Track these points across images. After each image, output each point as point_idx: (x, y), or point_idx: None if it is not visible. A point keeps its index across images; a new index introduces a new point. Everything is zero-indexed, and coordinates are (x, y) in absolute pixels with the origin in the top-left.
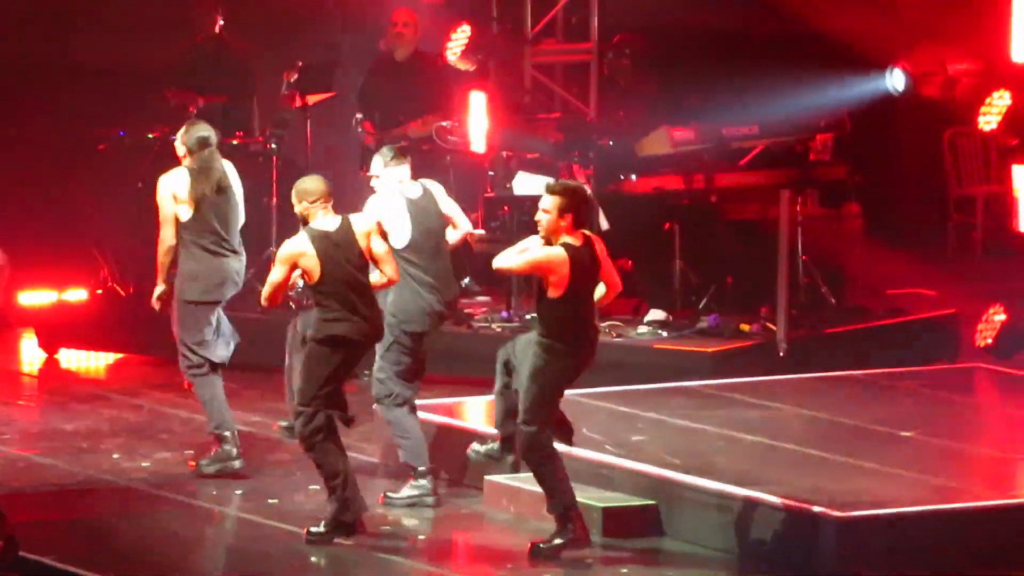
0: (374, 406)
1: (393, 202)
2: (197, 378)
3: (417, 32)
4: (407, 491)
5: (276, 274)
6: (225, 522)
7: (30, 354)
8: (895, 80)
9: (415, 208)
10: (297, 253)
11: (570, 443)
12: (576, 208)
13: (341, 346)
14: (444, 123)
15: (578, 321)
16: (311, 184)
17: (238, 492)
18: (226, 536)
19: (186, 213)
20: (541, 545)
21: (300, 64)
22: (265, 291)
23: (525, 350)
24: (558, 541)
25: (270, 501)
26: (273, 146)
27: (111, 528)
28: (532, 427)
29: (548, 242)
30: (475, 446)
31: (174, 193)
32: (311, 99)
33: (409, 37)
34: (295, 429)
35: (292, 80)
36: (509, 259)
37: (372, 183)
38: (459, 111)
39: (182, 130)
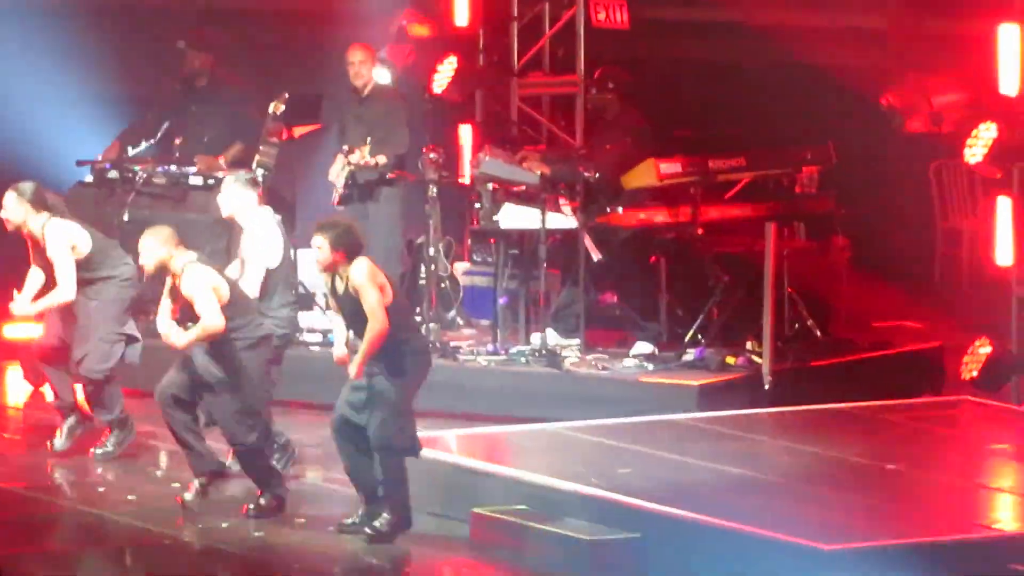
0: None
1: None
2: None
3: (367, 68)
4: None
5: None
6: (210, 557)
7: (15, 387)
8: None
9: None
10: None
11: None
12: (347, 243)
13: None
14: (430, 155)
15: None
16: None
17: (224, 525)
18: (211, 569)
19: None
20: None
21: (287, 95)
22: None
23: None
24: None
25: (256, 534)
26: (259, 177)
27: (95, 562)
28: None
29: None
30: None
31: None
32: (297, 131)
33: (365, 74)
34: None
35: (279, 112)
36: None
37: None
38: (443, 143)
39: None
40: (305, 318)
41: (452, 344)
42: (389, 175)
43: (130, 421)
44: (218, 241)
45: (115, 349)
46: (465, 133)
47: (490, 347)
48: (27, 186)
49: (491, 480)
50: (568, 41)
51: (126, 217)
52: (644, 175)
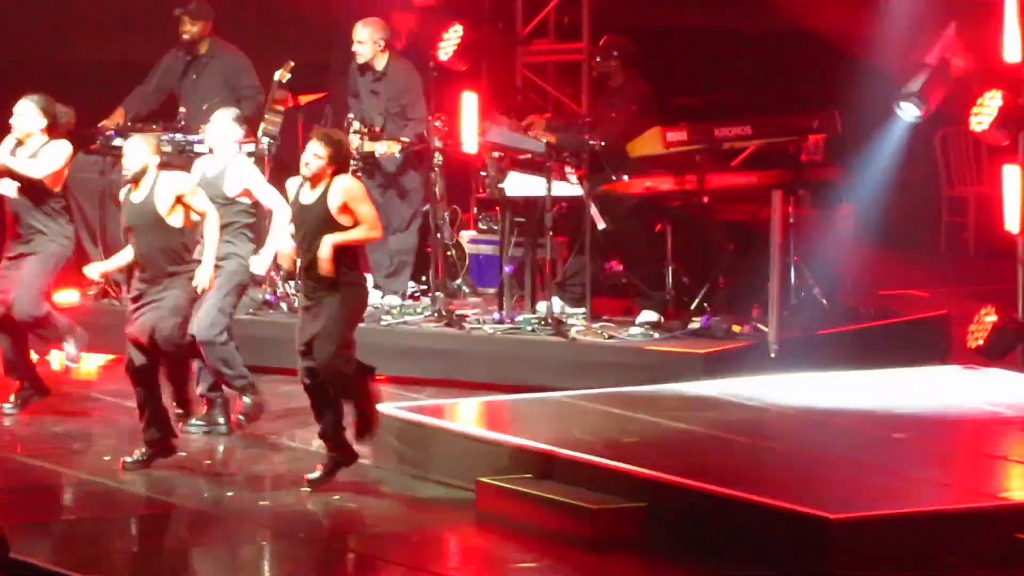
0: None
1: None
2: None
3: (369, 45)
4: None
5: None
6: (215, 524)
7: None
8: (908, 111)
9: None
10: None
11: None
12: (343, 159)
13: None
14: (434, 123)
15: None
16: None
17: (229, 494)
18: (215, 538)
19: None
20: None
21: (292, 64)
22: None
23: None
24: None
25: (261, 503)
26: (264, 146)
27: (100, 530)
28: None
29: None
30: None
31: None
32: (303, 99)
33: (365, 53)
34: None
35: (284, 80)
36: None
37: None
38: (448, 111)
39: None
40: None
41: (458, 312)
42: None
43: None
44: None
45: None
46: (470, 101)
47: (496, 315)
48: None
49: (497, 449)
50: (573, 9)
51: None
52: (650, 143)
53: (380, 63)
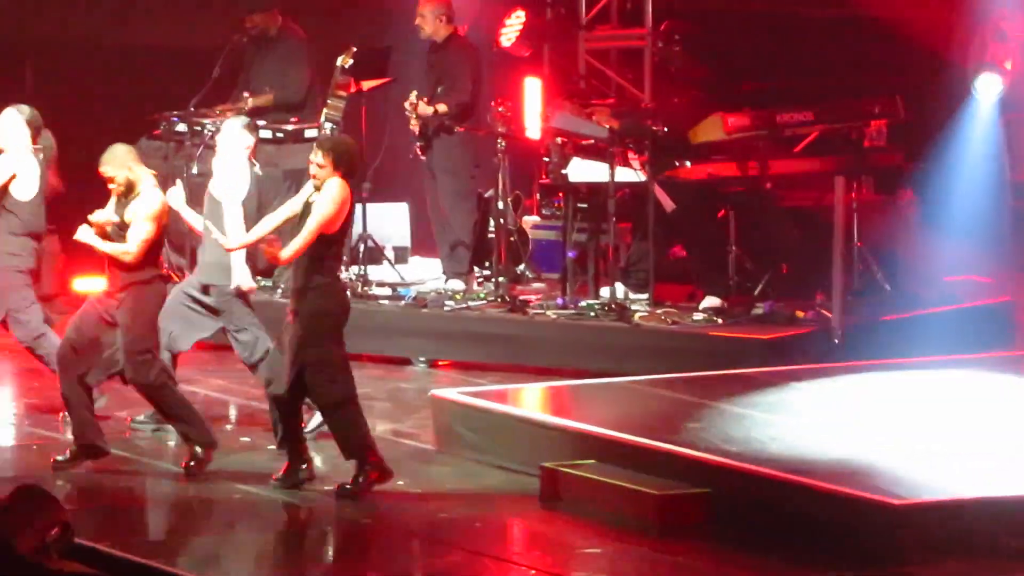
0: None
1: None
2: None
3: (430, 19)
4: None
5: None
6: (280, 509)
7: None
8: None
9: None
10: None
11: None
12: (349, 164)
13: None
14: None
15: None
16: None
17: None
18: (278, 523)
19: None
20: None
21: (355, 49)
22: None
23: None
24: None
25: (326, 488)
26: (328, 131)
27: (166, 515)
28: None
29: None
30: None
31: None
32: (366, 85)
33: (427, 28)
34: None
35: (347, 65)
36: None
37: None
38: (510, 97)
39: None
40: (374, 272)
41: (521, 298)
42: (458, 128)
43: None
44: (288, 193)
45: None
46: (532, 87)
47: (559, 300)
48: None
49: (560, 434)
50: None
51: (195, 170)
52: (711, 129)
53: (440, 36)
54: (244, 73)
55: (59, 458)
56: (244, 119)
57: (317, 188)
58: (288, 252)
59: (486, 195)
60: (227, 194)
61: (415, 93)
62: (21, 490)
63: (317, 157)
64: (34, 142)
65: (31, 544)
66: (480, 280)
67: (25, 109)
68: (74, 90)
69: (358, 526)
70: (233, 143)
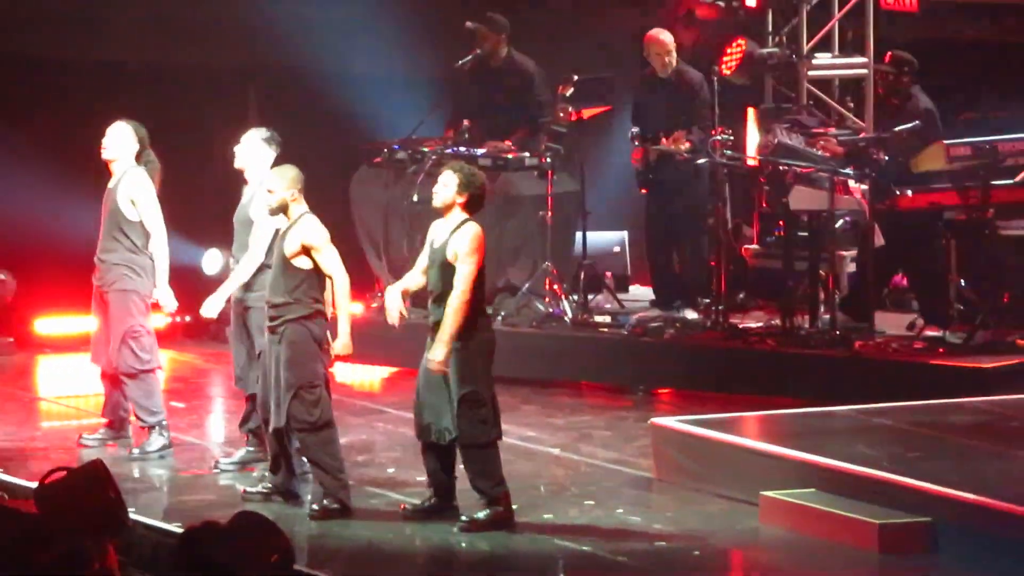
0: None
1: None
2: None
3: (667, 56)
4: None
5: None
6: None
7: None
8: None
9: None
10: None
11: None
12: (474, 192)
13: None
14: (717, 137)
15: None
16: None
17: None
18: (496, 546)
19: None
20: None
21: (576, 77)
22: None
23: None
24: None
25: (545, 516)
26: (548, 160)
27: (386, 542)
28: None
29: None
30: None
31: None
32: (586, 113)
33: (661, 62)
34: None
35: (567, 94)
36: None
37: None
38: (734, 126)
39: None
40: (594, 299)
41: (741, 326)
42: (697, 161)
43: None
44: (506, 220)
45: None
46: (753, 115)
47: (779, 329)
48: None
49: (780, 463)
50: (857, 23)
51: (415, 198)
52: (933, 158)
53: (667, 72)
54: (464, 106)
55: (249, 489)
56: (264, 131)
57: (437, 208)
58: (456, 305)
59: (708, 223)
60: (259, 213)
61: (636, 130)
62: (243, 516)
63: (446, 177)
64: (138, 159)
65: (254, 572)
66: (702, 308)
67: (134, 124)
68: (296, 115)
69: (577, 553)
70: (253, 158)
